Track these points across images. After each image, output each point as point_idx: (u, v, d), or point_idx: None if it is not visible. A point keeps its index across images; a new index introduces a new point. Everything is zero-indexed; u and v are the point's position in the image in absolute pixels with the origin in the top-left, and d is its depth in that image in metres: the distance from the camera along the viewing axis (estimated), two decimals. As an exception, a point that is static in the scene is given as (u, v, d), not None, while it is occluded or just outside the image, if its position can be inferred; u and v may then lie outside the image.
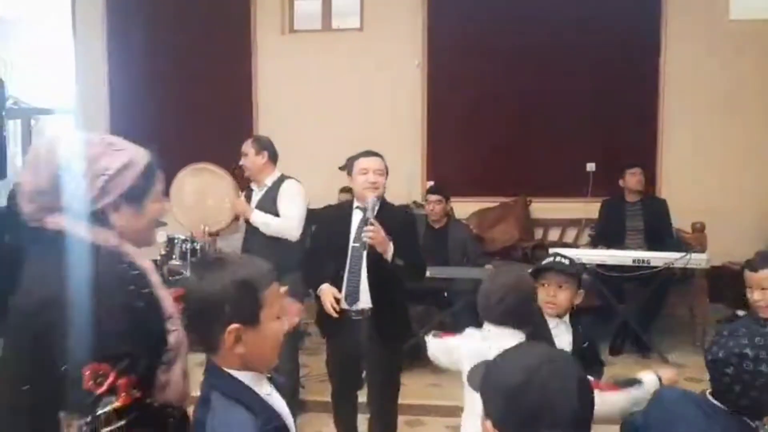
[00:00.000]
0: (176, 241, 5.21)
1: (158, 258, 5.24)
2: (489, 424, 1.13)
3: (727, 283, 5.22)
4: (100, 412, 1.27)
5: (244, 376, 1.36)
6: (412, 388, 3.95)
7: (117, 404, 1.28)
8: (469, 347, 2.10)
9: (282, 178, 3.79)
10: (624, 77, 6.46)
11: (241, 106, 7.05)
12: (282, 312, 1.41)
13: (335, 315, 2.89)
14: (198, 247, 5.18)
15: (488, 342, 1.96)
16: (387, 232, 2.88)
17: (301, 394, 4.00)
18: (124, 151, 1.59)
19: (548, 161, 6.57)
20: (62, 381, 1.28)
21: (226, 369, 1.35)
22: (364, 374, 3.24)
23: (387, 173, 3.08)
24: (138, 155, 1.60)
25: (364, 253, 2.91)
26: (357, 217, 3.02)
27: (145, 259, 1.49)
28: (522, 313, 2.03)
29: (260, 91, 7.08)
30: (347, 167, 3.10)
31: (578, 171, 6.45)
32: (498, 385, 1.12)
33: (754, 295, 2.34)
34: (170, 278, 5.05)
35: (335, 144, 5.48)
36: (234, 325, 1.32)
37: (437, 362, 2.32)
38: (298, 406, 3.80)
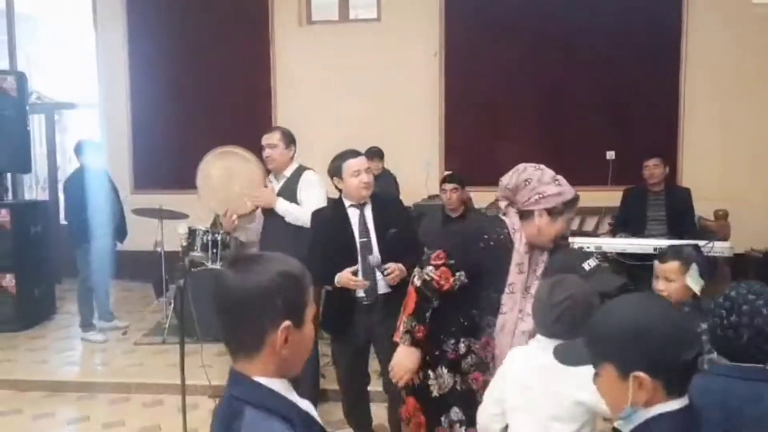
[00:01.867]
0: (197, 232, 5.29)
1: (180, 249, 5.33)
2: (641, 374, 1.24)
3: (750, 271, 5.15)
4: None
5: (277, 385, 1.24)
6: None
7: None
8: (514, 373, 1.98)
9: (301, 169, 3.79)
10: (645, 64, 6.37)
11: (260, 97, 7.10)
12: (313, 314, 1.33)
13: (365, 286, 3.04)
14: (219, 239, 5.25)
15: (542, 352, 1.85)
16: (384, 224, 3.07)
17: (321, 384, 4.04)
18: (562, 187, 2.35)
19: (567, 149, 6.51)
20: None
21: (255, 378, 1.23)
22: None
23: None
24: (568, 193, 2.35)
25: (375, 247, 3.06)
26: (355, 214, 3.13)
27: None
28: (579, 326, 1.91)
29: (278, 82, 7.11)
30: (334, 170, 3.14)
31: (598, 159, 6.40)
32: (635, 335, 1.25)
33: (659, 285, 2.43)
34: (193, 269, 5.13)
35: (353, 134, 5.48)
36: (287, 322, 1.21)
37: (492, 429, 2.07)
38: (318, 396, 3.84)
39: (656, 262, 2.49)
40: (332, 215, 3.21)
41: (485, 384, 2.17)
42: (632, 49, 6.38)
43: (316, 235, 3.25)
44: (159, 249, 5.53)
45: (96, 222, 5.25)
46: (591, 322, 1.37)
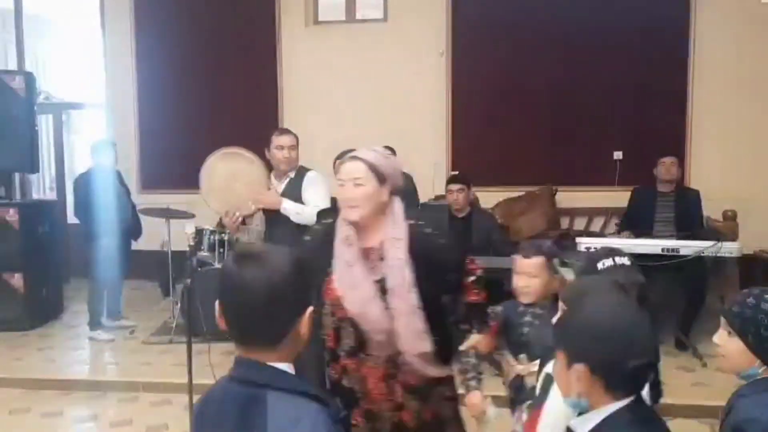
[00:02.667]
0: (205, 232, 5.30)
1: (187, 249, 5.34)
2: (581, 366, 1.31)
3: (759, 272, 5.13)
4: None
5: (291, 369, 1.27)
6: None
7: None
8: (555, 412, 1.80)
9: (303, 170, 3.83)
10: (653, 63, 6.35)
11: (267, 97, 7.11)
12: None
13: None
14: (226, 239, 5.26)
15: None
16: None
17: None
18: None
19: (575, 150, 6.50)
20: None
21: (270, 364, 1.24)
22: None
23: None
24: None
25: None
26: None
27: None
28: None
29: (285, 83, 7.12)
30: (335, 169, 3.17)
31: (605, 159, 6.38)
32: (588, 332, 1.32)
33: (521, 281, 2.38)
34: (200, 269, 5.15)
35: (359, 134, 5.50)
36: (310, 308, 1.27)
37: None
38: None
39: (518, 258, 2.43)
40: (334, 215, 3.22)
41: None
42: (639, 49, 6.36)
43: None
44: (166, 249, 5.55)
45: (107, 221, 5.28)
46: (567, 309, 1.46)
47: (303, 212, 3.64)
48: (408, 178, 5.93)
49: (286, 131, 3.92)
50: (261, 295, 1.21)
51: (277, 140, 3.78)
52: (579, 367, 1.30)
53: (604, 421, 1.31)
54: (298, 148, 3.82)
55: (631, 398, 1.32)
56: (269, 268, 1.22)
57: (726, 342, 1.73)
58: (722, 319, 1.77)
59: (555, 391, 1.74)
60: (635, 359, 1.28)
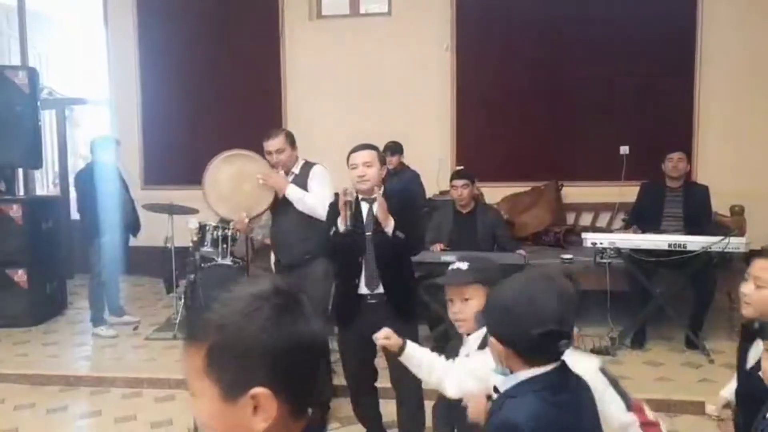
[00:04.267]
0: (208, 228, 5.28)
1: (190, 244, 5.33)
2: (493, 339, 1.47)
3: (767, 268, 5.05)
4: None
5: None
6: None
7: None
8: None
9: (308, 164, 3.81)
10: (660, 58, 6.30)
11: (270, 91, 7.08)
12: None
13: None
14: (229, 234, 5.24)
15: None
16: (395, 218, 3.09)
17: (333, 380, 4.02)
18: None
19: (580, 145, 6.47)
20: None
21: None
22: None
23: (383, 162, 3.21)
24: None
25: (369, 238, 3.08)
26: (365, 208, 3.14)
27: None
28: None
29: (289, 77, 7.09)
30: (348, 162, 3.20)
31: (612, 154, 6.33)
32: (497, 306, 1.49)
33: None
34: (203, 264, 5.13)
35: (363, 129, 5.45)
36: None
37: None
38: (331, 391, 3.84)
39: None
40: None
41: None
42: (646, 44, 6.31)
43: (329, 227, 3.27)
44: (169, 244, 5.53)
45: (107, 217, 5.26)
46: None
47: (305, 199, 3.66)
48: (416, 177, 5.92)
49: (273, 134, 3.80)
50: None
51: (265, 146, 3.77)
52: (493, 340, 1.47)
53: (518, 384, 1.45)
54: (289, 145, 3.75)
55: (552, 365, 1.44)
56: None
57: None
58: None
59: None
60: (538, 328, 1.38)
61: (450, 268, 2.23)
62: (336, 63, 6.90)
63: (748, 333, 2.06)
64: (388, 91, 6.76)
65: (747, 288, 2.05)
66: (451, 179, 4.98)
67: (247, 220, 3.81)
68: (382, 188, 3.16)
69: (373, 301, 3.10)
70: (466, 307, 2.13)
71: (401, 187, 5.46)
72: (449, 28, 6.70)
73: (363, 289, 3.09)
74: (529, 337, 1.39)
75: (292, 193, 3.68)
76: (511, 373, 1.47)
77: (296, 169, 3.80)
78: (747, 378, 2.04)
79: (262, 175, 3.70)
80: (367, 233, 3.10)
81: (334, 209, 3.17)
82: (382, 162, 3.20)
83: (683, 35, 6.30)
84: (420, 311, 3.37)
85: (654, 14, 6.28)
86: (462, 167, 5.74)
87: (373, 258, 3.08)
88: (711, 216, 5.21)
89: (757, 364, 1.97)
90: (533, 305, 1.41)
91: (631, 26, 6.33)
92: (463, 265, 2.18)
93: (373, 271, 3.09)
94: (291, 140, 3.80)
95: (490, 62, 6.65)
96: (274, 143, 3.73)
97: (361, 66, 6.83)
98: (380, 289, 3.09)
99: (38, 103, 6.07)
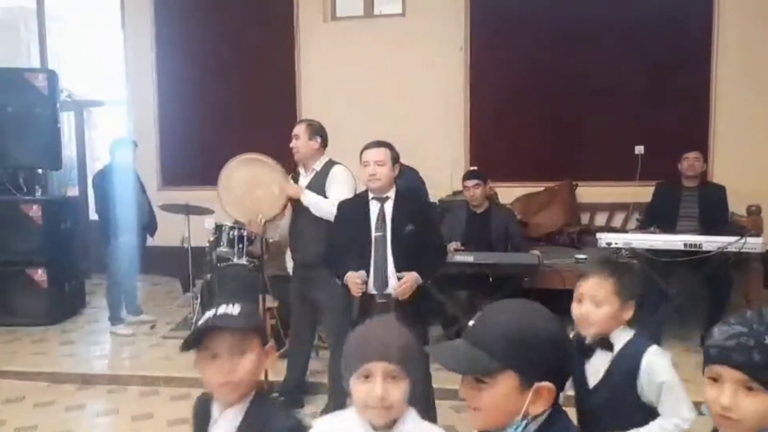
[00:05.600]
0: (224, 228, 5.33)
1: (206, 245, 5.38)
2: (546, 384, 1.26)
3: (784, 268, 5.00)
4: None
5: None
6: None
7: None
8: None
9: (331, 163, 3.82)
10: (675, 57, 6.26)
11: (285, 93, 7.13)
12: None
13: (358, 294, 3.05)
14: (245, 234, 5.28)
15: None
16: (401, 220, 3.08)
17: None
18: None
19: (595, 144, 6.43)
20: None
21: None
22: None
23: (396, 160, 3.17)
24: None
25: (389, 242, 3.08)
26: (375, 207, 3.14)
27: None
28: None
29: (303, 78, 7.13)
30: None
31: (626, 154, 6.30)
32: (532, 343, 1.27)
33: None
34: (219, 264, 5.18)
35: (377, 130, 5.45)
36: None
37: None
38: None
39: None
40: (354, 207, 3.24)
41: None
42: (662, 42, 6.27)
43: (336, 225, 3.29)
44: (186, 245, 5.59)
45: (125, 218, 5.33)
46: (481, 325, 1.24)
47: (320, 205, 3.66)
48: (415, 173, 5.92)
49: (299, 120, 4.01)
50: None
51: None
52: (545, 385, 1.27)
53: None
54: (306, 135, 3.78)
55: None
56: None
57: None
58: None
59: None
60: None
61: None
62: (350, 64, 6.92)
63: (583, 349, 1.97)
64: (401, 91, 6.78)
65: (583, 309, 1.95)
66: (464, 179, 4.99)
67: (263, 223, 3.82)
68: (394, 188, 3.15)
69: (382, 301, 3.07)
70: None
71: (406, 186, 5.47)
72: (463, 28, 6.70)
73: (372, 290, 3.08)
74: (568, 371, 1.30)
75: (308, 198, 3.70)
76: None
77: (317, 166, 3.81)
78: (590, 396, 1.98)
79: (278, 188, 3.74)
80: (377, 233, 3.09)
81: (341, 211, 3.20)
82: (395, 161, 3.18)
83: (699, 32, 6.24)
84: (435, 311, 3.35)
85: (669, 11, 6.23)
86: (475, 167, 5.74)
87: (382, 258, 3.06)
88: (727, 216, 5.17)
89: (604, 381, 1.94)
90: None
91: (646, 24, 6.29)
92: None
93: (383, 273, 3.07)
94: (311, 131, 3.81)
95: (503, 62, 6.64)
96: (295, 128, 3.84)
97: (375, 67, 6.86)
98: (389, 290, 3.07)
99: (57, 106, 6.16)
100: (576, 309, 1.98)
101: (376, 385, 1.37)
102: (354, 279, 3.03)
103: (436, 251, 3.18)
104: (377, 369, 1.37)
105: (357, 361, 1.40)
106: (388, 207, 3.14)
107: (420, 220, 3.11)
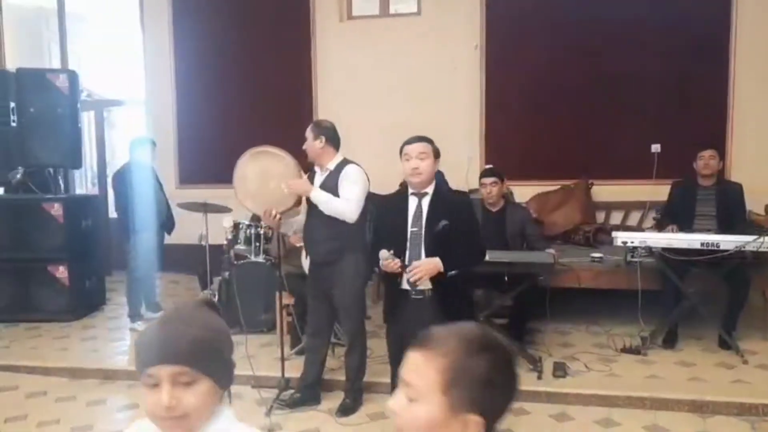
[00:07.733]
0: (241, 226, 5.39)
1: (224, 242, 5.44)
2: (475, 417, 1.11)
3: (802, 267, 4.95)
4: None
5: None
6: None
7: None
8: None
9: (344, 162, 3.83)
10: (693, 56, 6.22)
11: (302, 92, 7.18)
12: None
13: (396, 268, 2.98)
14: (262, 232, 5.34)
15: None
16: (437, 217, 3.02)
17: (366, 376, 4.08)
18: None
19: (611, 143, 6.41)
20: None
21: None
22: None
23: (437, 155, 3.13)
24: None
25: (423, 237, 3.02)
26: (413, 203, 3.11)
27: None
28: None
29: (320, 77, 7.18)
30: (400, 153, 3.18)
31: (643, 152, 6.27)
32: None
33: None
34: (236, 262, 5.24)
35: (394, 128, 5.50)
36: None
37: None
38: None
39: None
40: (394, 201, 3.24)
41: None
42: (679, 41, 6.23)
43: (377, 220, 3.30)
44: (204, 242, 5.65)
45: (144, 215, 5.40)
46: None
47: (330, 202, 3.66)
48: (439, 174, 5.93)
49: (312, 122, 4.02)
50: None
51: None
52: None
53: None
54: (312, 135, 3.79)
55: None
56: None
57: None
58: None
59: None
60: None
61: None
62: (366, 63, 6.96)
63: None
64: (417, 90, 6.80)
65: (397, 402, 1.11)
66: (480, 177, 4.99)
67: (278, 217, 3.85)
68: (433, 184, 3.12)
69: (417, 296, 3.04)
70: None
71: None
72: (478, 27, 6.71)
73: (405, 285, 3.04)
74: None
75: (318, 196, 3.71)
76: None
77: (331, 165, 3.82)
78: None
79: (286, 184, 3.75)
80: (413, 229, 3.06)
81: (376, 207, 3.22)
82: (437, 156, 3.13)
83: (716, 30, 6.20)
84: (468, 310, 3.27)
85: (686, 9, 6.19)
86: (491, 165, 5.74)
87: (417, 255, 3.02)
88: (745, 214, 5.12)
89: None
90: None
91: (662, 22, 6.25)
92: None
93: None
94: (317, 131, 3.81)
95: (519, 60, 6.64)
96: (307, 130, 3.84)
97: (391, 66, 6.88)
98: (424, 285, 3.01)
99: (78, 106, 6.25)
100: (392, 402, 1.15)
101: (162, 393, 1.19)
102: (386, 259, 2.98)
103: (468, 245, 3.07)
104: (161, 374, 1.20)
105: (140, 366, 1.23)
106: (425, 203, 3.11)
107: (456, 217, 3.04)
